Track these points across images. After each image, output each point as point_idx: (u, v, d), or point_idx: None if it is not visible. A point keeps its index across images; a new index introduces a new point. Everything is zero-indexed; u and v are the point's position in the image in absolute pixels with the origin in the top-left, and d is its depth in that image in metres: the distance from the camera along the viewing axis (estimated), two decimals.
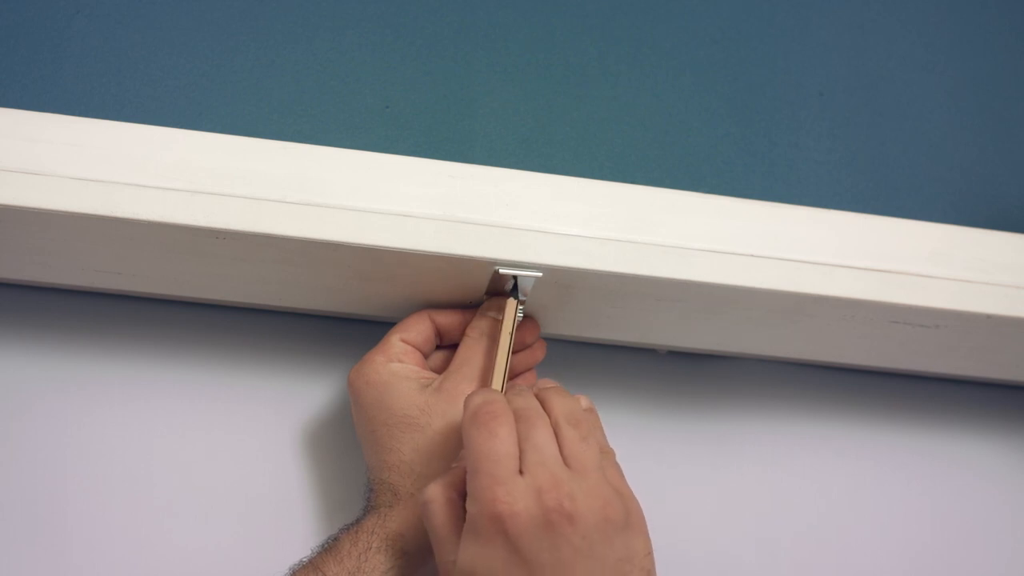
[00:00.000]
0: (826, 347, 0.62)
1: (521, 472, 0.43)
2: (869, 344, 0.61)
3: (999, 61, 0.79)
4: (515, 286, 0.54)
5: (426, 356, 0.56)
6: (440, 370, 0.55)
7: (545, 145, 0.69)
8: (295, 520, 0.57)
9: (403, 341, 0.54)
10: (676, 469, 0.63)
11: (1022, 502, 0.66)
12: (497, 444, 0.44)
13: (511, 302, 0.54)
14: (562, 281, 0.54)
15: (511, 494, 0.42)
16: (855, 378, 0.67)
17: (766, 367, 0.66)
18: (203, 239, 0.52)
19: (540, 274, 0.52)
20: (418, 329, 0.55)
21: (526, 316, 0.57)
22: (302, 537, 0.56)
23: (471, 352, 0.54)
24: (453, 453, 0.50)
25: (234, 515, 0.57)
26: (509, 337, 0.52)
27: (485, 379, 0.52)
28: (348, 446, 0.59)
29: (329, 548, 0.49)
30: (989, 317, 0.56)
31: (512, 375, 0.56)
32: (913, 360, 0.63)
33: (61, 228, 0.52)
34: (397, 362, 0.53)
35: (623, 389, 0.64)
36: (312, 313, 0.61)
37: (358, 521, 0.50)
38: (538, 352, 0.59)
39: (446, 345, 0.57)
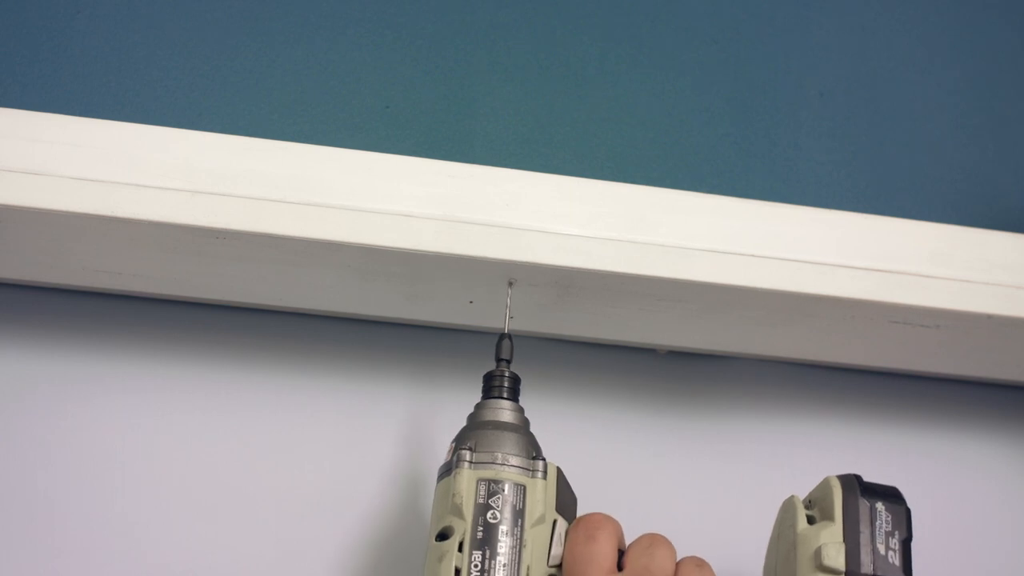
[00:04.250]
0: (826, 347, 0.62)
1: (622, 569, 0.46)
2: (869, 344, 0.61)
3: (999, 61, 0.79)
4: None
5: None
6: None
7: (545, 145, 0.69)
8: (294, 519, 0.57)
9: None
10: (676, 469, 0.63)
11: (1022, 502, 0.66)
12: (595, 547, 0.45)
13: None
14: (562, 281, 0.54)
15: None
16: (855, 378, 0.67)
17: (766, 367, 0.66)
18: (203, 239, 0.52)
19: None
20: None
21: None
22: (300, 534, 0.56)
23: None
24: None
25: (234, 514, 0.57)
26: None
27: None
28: (342, 445, 0.59)
29: None
30: (989, 317, 0.56)
31: None
32: (913, 360, 0.63)
33: (61, 228, 0.52)
34: None
35: (623, 389, 0.64)
36: (312, 313, 0.61)
37: None
38: None
39: None
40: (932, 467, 0.66)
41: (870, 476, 0.49)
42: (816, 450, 0.65)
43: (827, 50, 0.77)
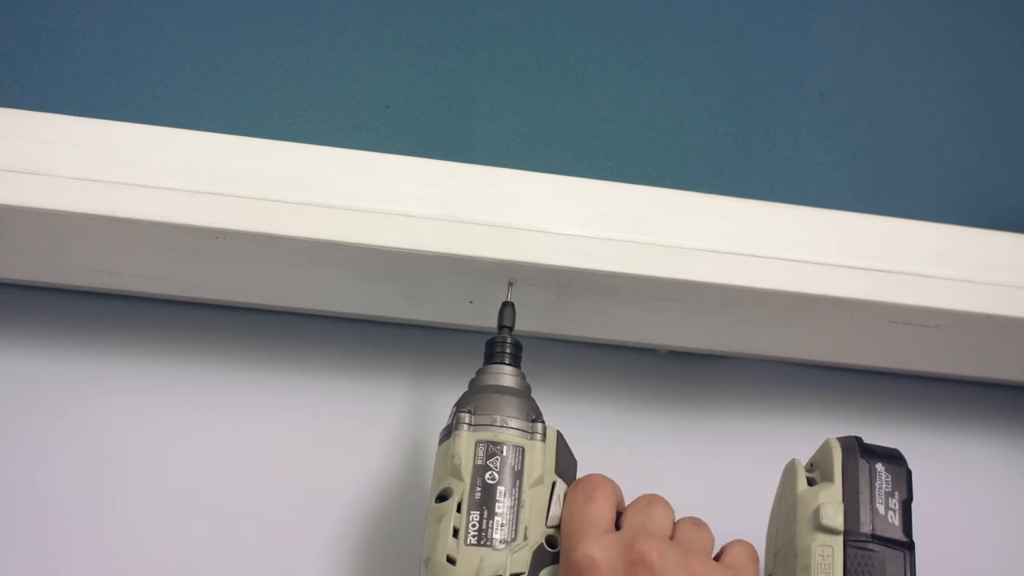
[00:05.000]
0: (826, 347, 0.62)
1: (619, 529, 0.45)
2: (869, 344, 0.61)
3: (999, 61, 0.79)
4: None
5: None
6: None
7: (545, 145, 0.69)
8: (294, 519, 0.57)
9: None
10: (676, 469, 0.63)
11: (1022, 502, 0.66)
12: (593, 507, 0.46)
13: None
14: (562, 281, 0.54)
15: (601, 547, 0.44)
16: (855, 378, 0.67)
17: (766, 367, 0.66)
18: (203, 239, 0.52)
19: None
20: None
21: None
22: (299, 534, 0.56)
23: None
24: None
25: (234, 514, 0.57)
26: None
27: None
28: (342, 445, 0.59)
29: None
30: (989, 317, 0.56)
31: None
32: (913, 360, 0.63)
33: (61, 228, 0.52)
34: None
35: (623, 389, 0.64)
36: (312, 313, 0.61)
37: None
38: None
39: None
40: (932, 467, 0.65)
41: None
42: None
43: (827, 50, 0.77)
